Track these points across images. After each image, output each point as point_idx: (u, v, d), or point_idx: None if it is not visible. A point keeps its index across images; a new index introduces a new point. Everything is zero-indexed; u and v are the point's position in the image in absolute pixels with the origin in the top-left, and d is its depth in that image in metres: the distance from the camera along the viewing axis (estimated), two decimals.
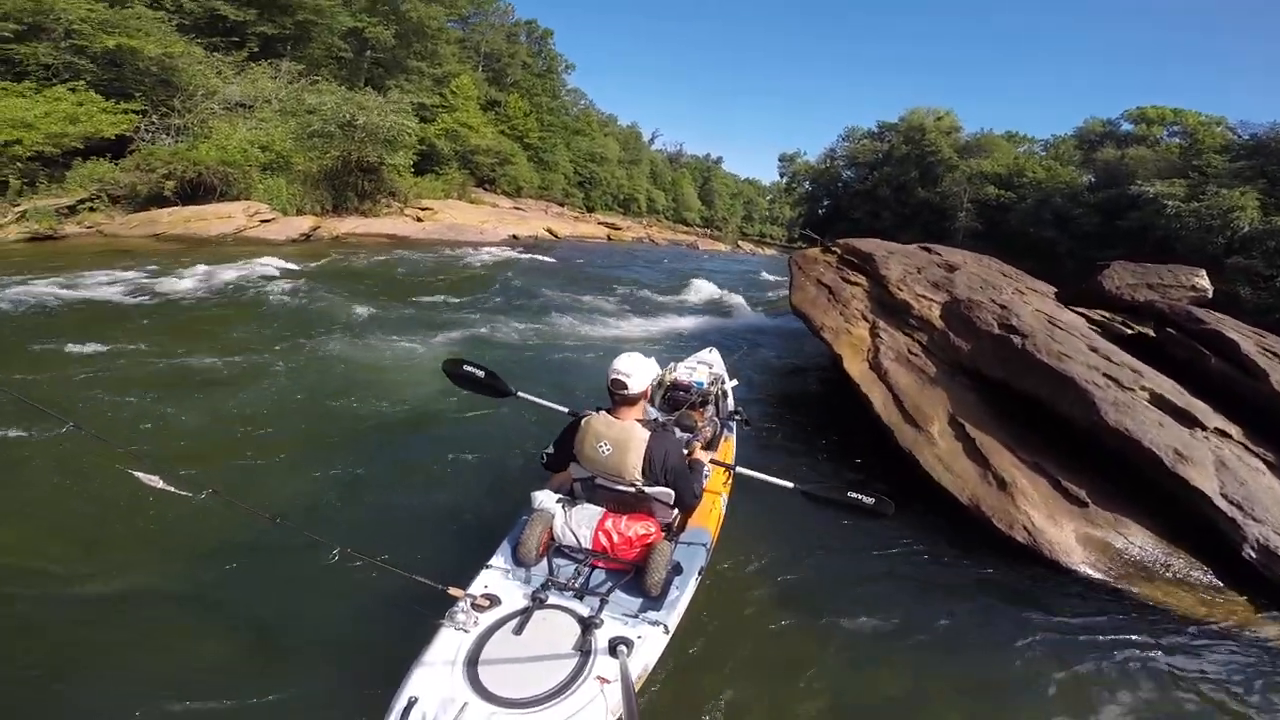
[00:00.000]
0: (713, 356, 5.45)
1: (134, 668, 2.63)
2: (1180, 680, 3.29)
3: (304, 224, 16.82)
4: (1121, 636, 3.54)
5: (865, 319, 6.95)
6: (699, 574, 2.75)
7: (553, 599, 2.37)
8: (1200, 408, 4.72)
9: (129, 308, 8.08)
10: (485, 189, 33.47)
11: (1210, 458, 4.26)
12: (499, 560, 2.59)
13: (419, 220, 21.58)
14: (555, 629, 2.25)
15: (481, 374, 3.43)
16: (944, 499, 4.47)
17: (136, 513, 3.50)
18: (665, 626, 2.39)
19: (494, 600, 2.32)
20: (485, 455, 4.66)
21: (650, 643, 2.31)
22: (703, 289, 15.31)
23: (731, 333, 10.84)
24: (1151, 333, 6.21)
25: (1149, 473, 4.22)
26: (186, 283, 9.54)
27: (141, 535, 3.40)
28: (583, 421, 2.69)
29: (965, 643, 3.42)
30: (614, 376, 2.63)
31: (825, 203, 47.90)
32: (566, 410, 3.23)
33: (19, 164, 12.91)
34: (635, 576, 2.52)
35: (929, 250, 9.04)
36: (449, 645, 2.10)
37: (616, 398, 2.66)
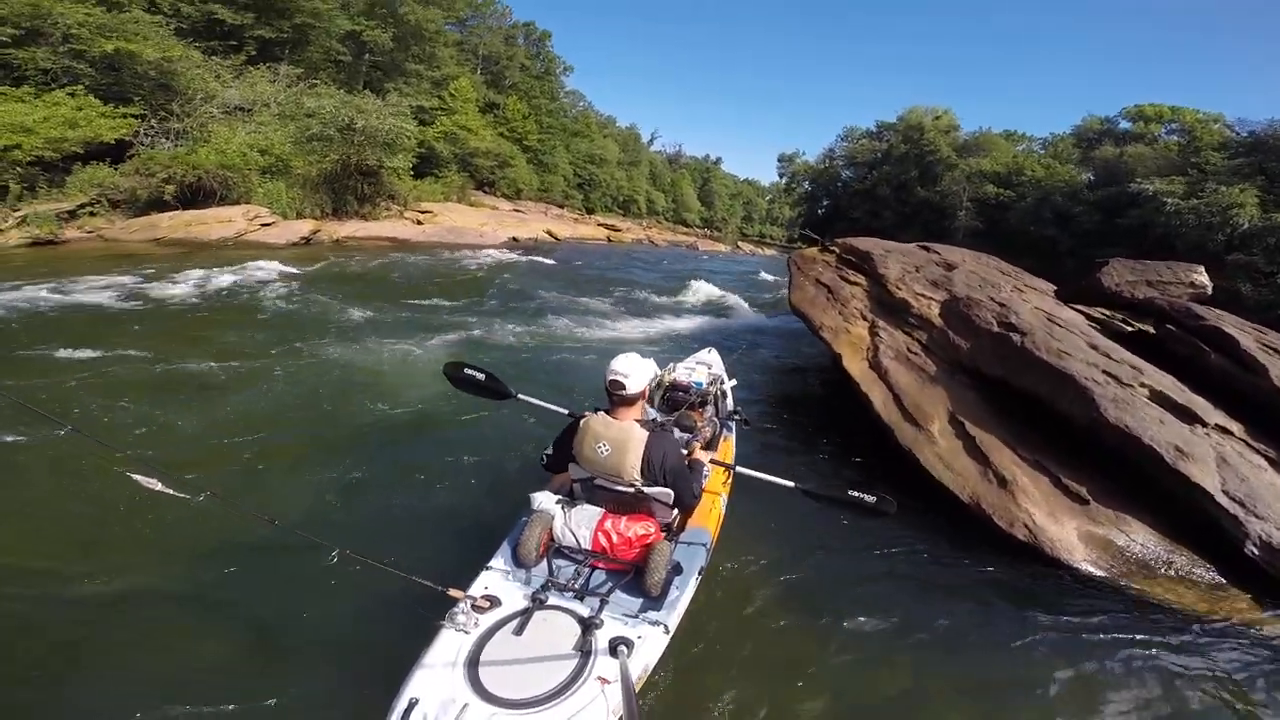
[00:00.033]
0: (712, 357, 5.45)
1: (134, 669, 2.63)
2: (1183, 678, 3.28)
3: (304, 227, 16.84)
4: (1124, 634, 3.54)
5: (864, 318, 6.95)
6: (699, 574, 2.75)
7: (553, 600, 2.37)
8: (1201, 404, 4.72)
9: (128, 312, 8.08)
10: (485, 191, 33.52)
11: (1211, 454, 4.26)
12: (499, 561, 2.58)
13: (419, 223, 21.61)
14: (555, 630, 2.25)
15: (482, 377, 3.44)
16: (944, 497, 4.47)
17: (135, 515, 3.50)
18: (665, 626, 2.38)
19: (494, 601, 2.32)
20: (484, 457, 4.66)
21: (650, 643, 2.31)
22: (702, 290, 15.32)
23: (731, 333, 10.85)
24: (1151, 330, 6.21)
25: (1149, 470, 4.21)
26: (186, 287, 9.56)
27: (140, 537, 3.40)
28: (581, 422, 2.69)
29: (966, 642, 3.41)
30: (612, 377, 2.63)
31: (825, 203, 47.90)
32: (566, 411, 3.23)
33: (19, 169, 12.91)
34: (635, 577, 2.51)
35: (928, 249, 9.03)
36: (449, 646, 2.10)
37: (615, 398, 2.66)
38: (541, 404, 3.40)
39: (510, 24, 44.78)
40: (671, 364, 4.79)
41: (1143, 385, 4.78)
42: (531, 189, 39.04)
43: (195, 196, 15.44)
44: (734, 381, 4.88)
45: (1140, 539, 4.10)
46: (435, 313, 9.82)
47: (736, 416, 4.35)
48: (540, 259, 19.07)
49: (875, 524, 4.25)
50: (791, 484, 2.96)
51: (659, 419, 3.73)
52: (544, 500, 2.69)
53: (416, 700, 1.87)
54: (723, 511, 3.37)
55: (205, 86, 18.08)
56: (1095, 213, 26.39)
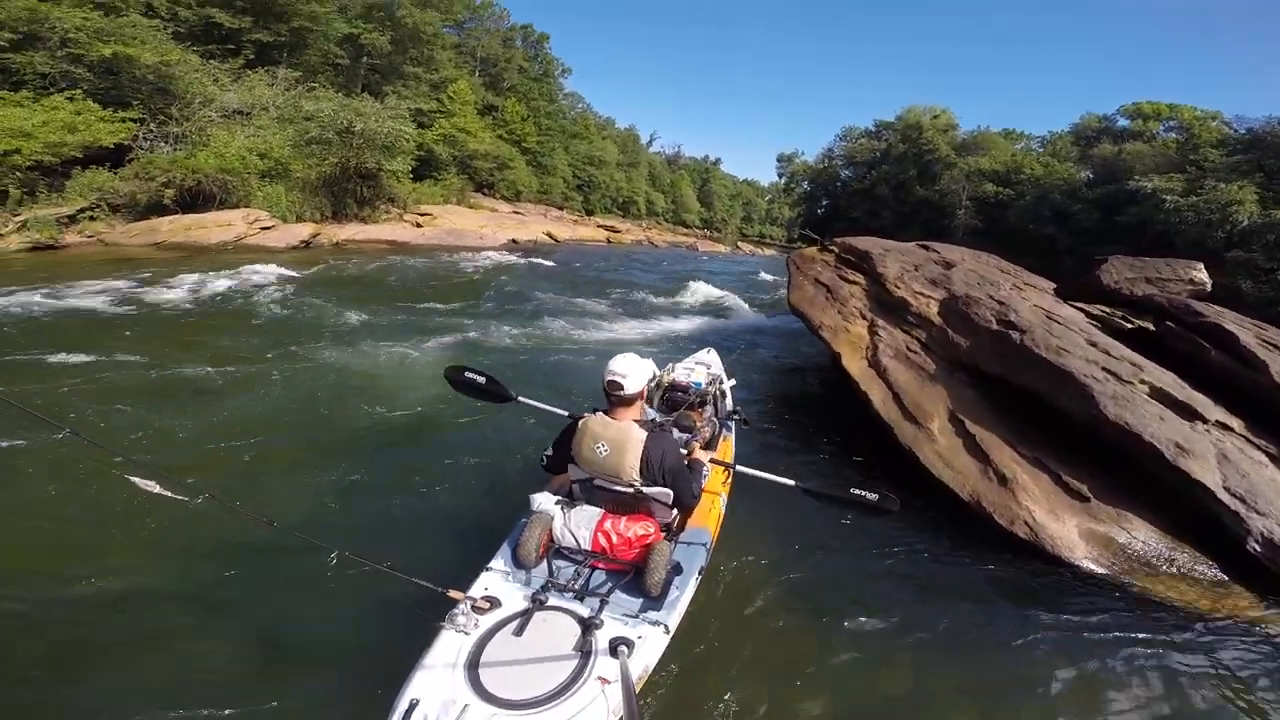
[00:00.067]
0: (711, 357, 5.45)
1: (133, 672, 2.63)
2: (1186, 675, 3.27)
3: (304, 231, 16.84)
4: (1126, 632, 3.53)
5: (863, 317, 6.94)
6: (699, 574, 2.75)
7: (553, 600, 2.37)
8: (1201, 401, 4.72)
9: (127, 316, 8.08)
10: (484, 194, 33.56)
11: (1212, 451, 4.25)
12: (499, 563, 2.58)
13: (418, 226, 21.62)
14: (556, 630, 2.24)
15: (482, 380, 3.45)
16: (944, 495, 4.47)
17: (134, 517, 3.50)
18: (666, 626, 2.38)
19: (494, 602, 2.32)
20: (483, 458, 4.66)
21: (651, 643, 2.31)
22: (701, 290, 15.32)
23: (730, 333, 10.85)
24: (1151, 327, 6.20)
25: (1150, 467, 4.21)
26: (186, 291, 9.56)
27: (139, 540, 3.40)
28: (580, 423, 2.69)
29: (967, 641, 3.40)
30: (610, 377, 2.63)
31: (824, 202, 47.98)
32: (566, 413, 3.23)
33: (18, 173, 12.93)
34: (635, 577, 2.51)
35: (926, 248, 9.03)
36: (450, 647, 2.10)
37: (613, 398, 2.66)
38: (541, 406, 3.41)
39: (508, 26, 44.90)
40: (670, 364, 4.80)
41: (1142, 382, 4.78)
42: (531, 191, 39.09)
43: (195, 200, 15.46)
44: (733, 381, 4.88)
45: (1141, 536, 4.09)
46: (435, 315, 9.82)
47: (736, 416, 4.34)
48: (540, 261, 19.07)
49: (875, 523, 4.27)
50: (792, 483, 2.96)
51: (658, 419, 3.73)
52: (543, 501, 2.70)
53: (417, 701, 1.87)
54: (722, 511, 3.37)
55: (204, 90, 18.11)
56: (1094, 210, 26.42)
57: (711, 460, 3.24)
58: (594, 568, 2.59)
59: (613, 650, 2.12)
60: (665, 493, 2.64)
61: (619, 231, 38.71)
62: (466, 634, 2.15)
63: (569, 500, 2.78)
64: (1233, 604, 3.79)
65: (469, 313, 10.34)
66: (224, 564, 3.24)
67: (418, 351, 7.51)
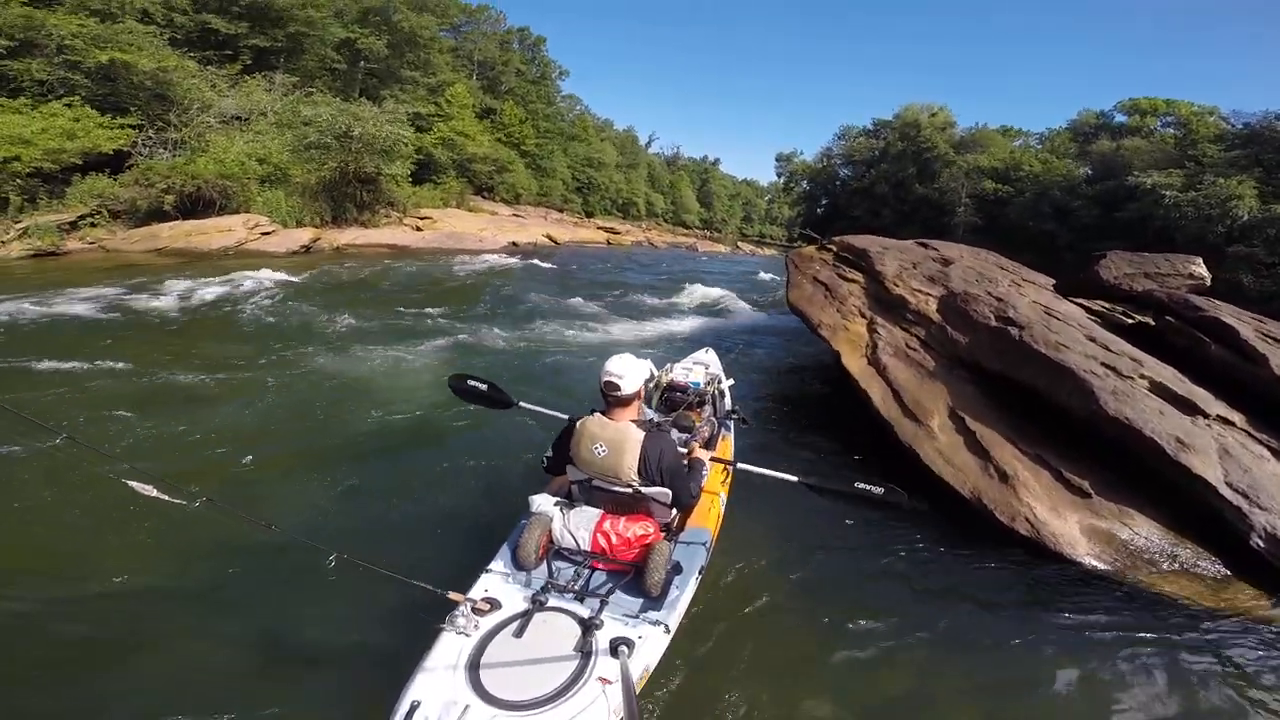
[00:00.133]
0: (709, 357, 5.46)
1: (133, 676, 2.63)
2: (1190, 672, 3.26)
3: (304, 236, 16.87)
4: (1128, 628, 3.52)
5: (862, 315, 6.94)
6: (699, 573, 2.75)
7: (553, 601, 2.37)
8: (1201, 395, 4.70)
9: (128, 322, 8.10)
10: (484, 197, 33.60)
11: (1213, 445, 4.24)
12: (499, 564, 2.59)
13: (418, 229, 21.65)
14: (556, 631, 2.24)
15: (484, 387, 3.48)
16: (945, 493, 4.46)
17: (132, 522, 3.50)
18: (666, 626, 2.38)
19: (494, 604, 2.32)
20: (482, 460, 4.66)
21: (651, 643, 2.30)
22: (700, 291, 15.34)
23: (729, 333, 10.86)
24: (1151, 322, 6.19)
25: (1151, 462, 4.20)
26: (186, 297, 9.58)
27: (137, 544, 3.40)
28: (578, 424, 2.69)
29: (969, 639, 3.39)
30: (607, 378, 2.64)
31: (824, 202, 48.00)
32: (567, 417, 3.24)
33: (18, 180, 12.98)
34: (635, 577, 2.51)
35: (925, 245, 9.02)
36: (450, 649, 2.10)
37: (610, 399, 2.66)
38: (542, 410, 3.43)
39: (504, 29, 44.95)
40: (669, 364, 4.80)
41: (1142, 377, 4.77)
42: (530, 193, 39.15)
43: (195, 206, 15.49)
44: (731, 381, 4.88)
45: (1143, 532, 4.08)
46: (435, 319, 9.83)
47: (735, 415, 4.34)
48: (539, 263, 19.09)
49: (876, 521, 4.28)
50: (794, 478, 2.95)
51: (656, 419, 3.73)
52: (543, 502, 2.70)
53: (418, 703, 1.88)
54: (722, 511, 3.36)
55: (201, 96, 18.14)
56: (1094, 207, 26.42)
57: (712, 458, 3.23)
58: (594, 568, 2.59)
59: (613, 650, 2.12)
60: (664, 492, 2.64)
61: (619, 233, 38.75)
62: (467, 635, 2.15)
63: (568, 501, 2.78)
64: (1236, 600, 3.78)
65: (469, 316, 10.34)
66: (223, 568, 3.25)
67: (417, 355, 7.51)
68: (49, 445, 4.03)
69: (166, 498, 1.86)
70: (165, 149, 16.62)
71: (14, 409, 1.72)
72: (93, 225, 13.87)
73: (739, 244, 54.97)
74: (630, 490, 2.62)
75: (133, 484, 1.82)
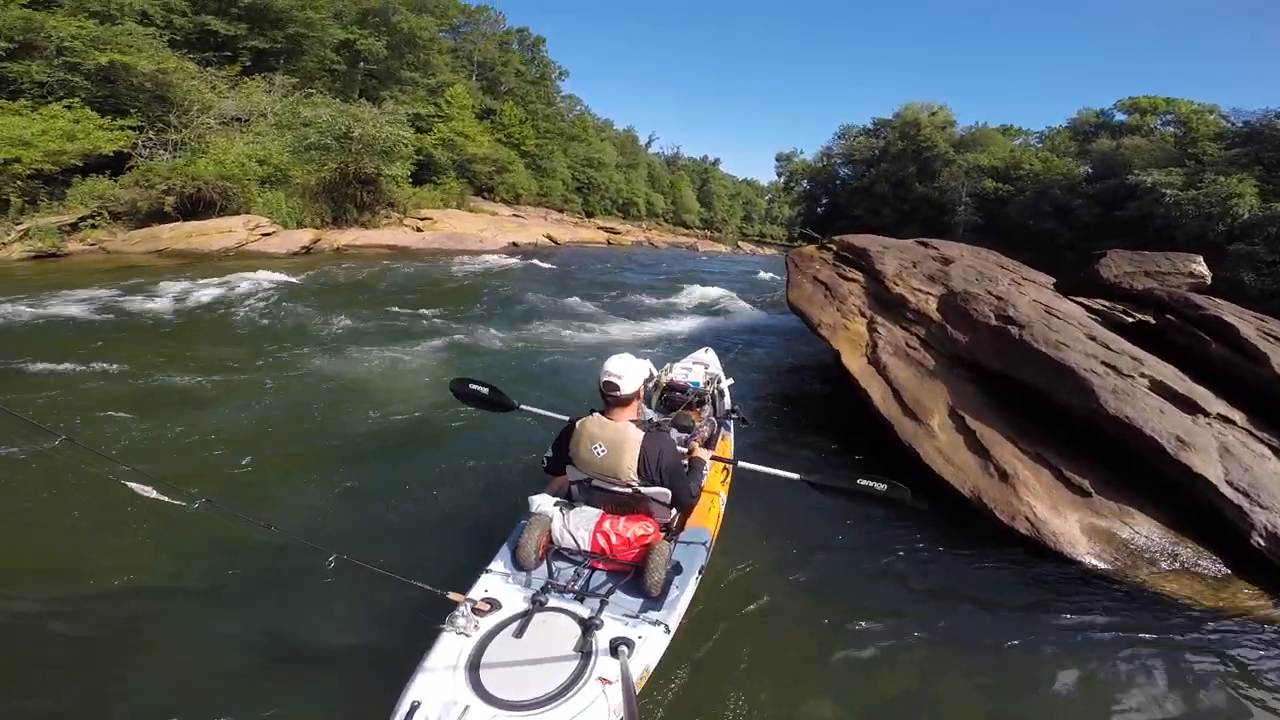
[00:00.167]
0: (709, 356, 5.46)
1: (132, 676, 2.64)
2: (1190, 671, 3.25)
3: (304, 237, 16.89)
4: (1129, 627, 3.51)
5: (862, 314, 6.94)
6: (699, 573, 2.75)
7: (553, 601, 2.37)
8: (1202, 394, 4.70)
9: (128, 324, 8.11)
10: (484, 197, 33.62)
11: (1214, 444, 4.23)
12: (498, 564, 2.59)
13: (419, 230, 21.67)
14: (556, 631, 2.25)
15: (486, 391, 3.49)
16: (945, 492, 4.46)
17: (131, 523, 3.51)
18: (666, 626, 2.38)
19: (494, 604, 2.32)
20: (483, 461, 4.66)
21: (651, 643, 2.30)
22: (701, 290, 15.34)
23: (729, 333, 10.85)
24: (1152, 320, 6.19)
25: (1151, 461, 4.19)
26: (187, 298, 9.59)
27: (137, 545, 3.40)
28: (577, 424, 2.69)
29: (970, 638, 3.39)
30: (606, 378, 2.64)
31: (824, 201, 47.99)
32: (568, 418, 3.25)
33: (19, 182, 13.00)
34: (635, 577, 2.51)
35: (925, 244, 9.01)
36: (450, 649, 2.10)
37: (609, 399, 2.66)
38: (544, 413, 3.43)
39: (504, 30, 44.96)
40: (668, 364, 4.80)
41: (1143, 376, 4.76)
42: (530, 194, 39.18)
43: (195, 207, 15.51)
44: (731, 380, 4.88)
45: (1144, 531, 4.08)
46: (435, 319, 9.83)
47: (734, 415, 4.34)
48: (540, 263, 19.08)
49: (876, 520, 4.28)
50: (796, 476, 2.95)
51: (655, 419, 3.73)
52: (542, 503, 2.70)
53: (418, 703, 1.88)
54: (722, 510, 3.37)
55: (201, 97, 18.17)
56: (1094, 205, 26.40)
57: (713, 457, 3.22)
58: (594, 568, 2.59)
59: (613, 650, 2.12)
60: (664, 492, 2.64)
61: (619, 233, 38.76)
62: (467, 636, 2.16)
63: (568, 501, 2.78)
64: (1236, 599, 3.78)
65: (469, 317, 10.35)
66: (222, 568, 3.25)
67: (417, 356, 7.52)
68: (48, 447, 4.03)
69: (166, 499, 1.86)
70: (165, 150, 16.64)
71: (13, 411, 1.73)
72: (93, 227, 13.90)
73: (739, 244, 54.94)
74: (630, 490, 2.63)
75: (132, 485, 1.82)
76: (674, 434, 3.39)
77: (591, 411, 2.72)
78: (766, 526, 4.06)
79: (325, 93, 23.79)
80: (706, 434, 3.81)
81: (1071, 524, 4.08)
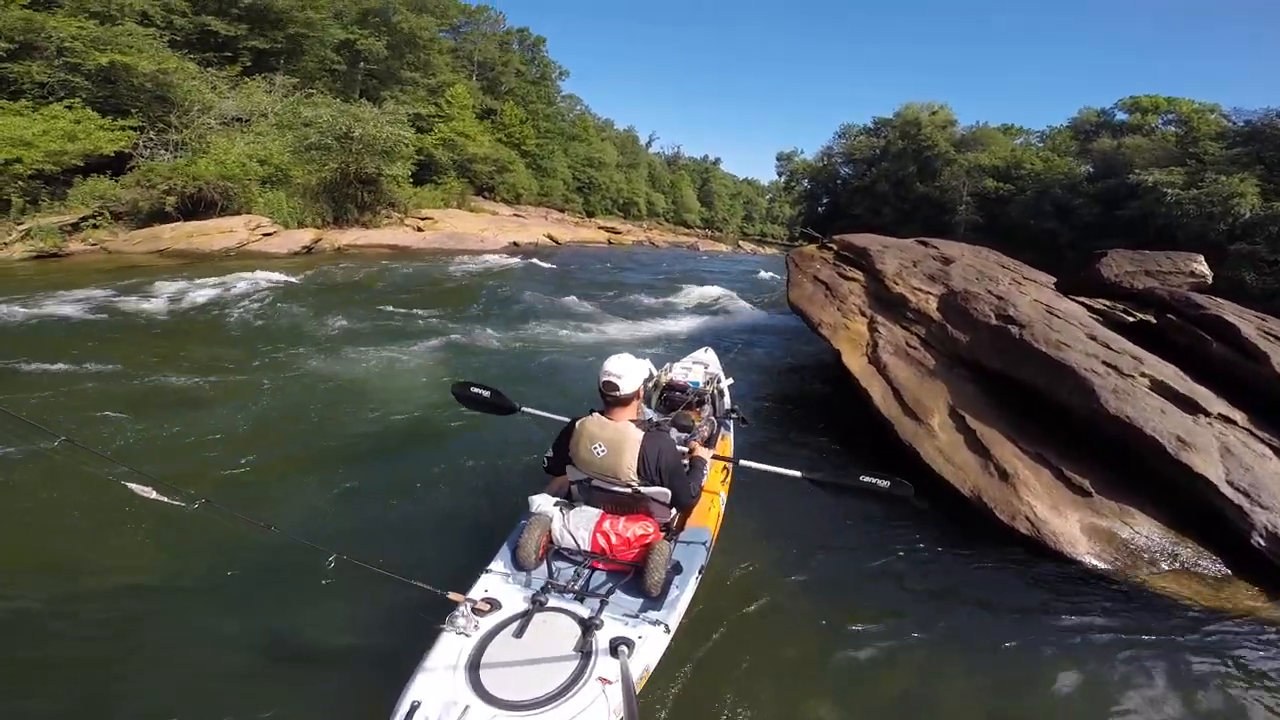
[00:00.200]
0: (708, 356, 5.46)
1: (132, 677, 2.64)
2: (1190, 671, 3.25)
3: (305, 237, 16.90)
4: (1129, 627, 3.51)
5: (863, 314, 6.94)
6: (699, 573, 2.75)
7: (553, 601, 2.37)
8: (1203, 393, 4.69)
9: (128, 324, 8.11)
10: (485, 197, 33.63)
11: (1214, 444, 4.23)
12: (498, 564, 2.59)
13: (419, 230, 21.68)
14: (556, 631, 2.25)
15: (487, 394, 3.48)
16: (945, 491, 4.45)
17: (131, 524, 3.51)
18: (666, 626, 2.38)
19: (494, 604, 2.33)
20: (483, 461, 4.66)
21: (651, 643, 2.31)
22: (701, 290, 15.34)
23: (729, 332, 10.85)
24: (1153, 320, 6.18)
25: (1152, 461, 4.19)
26: (188, 298, 9.59)
27: (136, 546, 3.41)
28: (577, 424, 2.69)
29: (969, 638, 3.39)
30: (605, 378, 2.64)
31: (824, 200, 48.04)
32: (569, 419, 3.25)
33: (20, 182, 13.01)
34: (635, 577, 2.52)
35: (925, 244, 9.01)
36: (450, 649, 2.10)
37: (609, 399, 2.66)
38: (545, 414, 3.42)
39: (504, 30, 44.97)
40: (668, 364, 4.80)
41: (1143, 375, 4.76)
42: (531, 193, 39.19)
43: (196, 207, 15.53)
44: (731, 380, 4.88)
45: (1144, 531, 4.08)
46: (436, 319, 9.83)
47: (734, 415, 4.34)
48: (540, 263, 19.08)
49: (875, 520, 4.28)
50: (798, 473, 2.94)
51: (655, 419, 3.73)
52: (542, 503, 2.70)
53: (418, 703, 1.88)
54: (722, 510, 3.37)
55: (202, 98, 18.18)
56: (1095, 205, 26.41)
57: (714, 456, 3.22)
58: (594, 568, 2.60)
59: (613, 650, 2.13)
60: (663, 492, 2.64)
61: (620, 232, 38.76)
62: (467, 636, 2.16)
63: (568, 501, 2.78)
64: (1237, 599, 3.77)
65: (470, 317, 10.35)
66: (222, 569, 3.25)
67: (417, 355, 7.52)
68: (48, 447, 4.01)
69: (166, 499, 1.86)
70: (166, 150, 16.65)
71: (13, 412, 1.73)
72: (95, 227, 13.91)
73: (740, 243, 54.93)
74: (629, 490, 2.63)
75: (132, 486, 1.82)
76: (674, 434, 3.39)
77: (591, 411, 2.72)
78: (766, 526, 4.06)
79: (326, 93, 23.81)
80: (706, 434, 3.81)
81: (1072, 524, 4.08)
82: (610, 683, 2.02)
